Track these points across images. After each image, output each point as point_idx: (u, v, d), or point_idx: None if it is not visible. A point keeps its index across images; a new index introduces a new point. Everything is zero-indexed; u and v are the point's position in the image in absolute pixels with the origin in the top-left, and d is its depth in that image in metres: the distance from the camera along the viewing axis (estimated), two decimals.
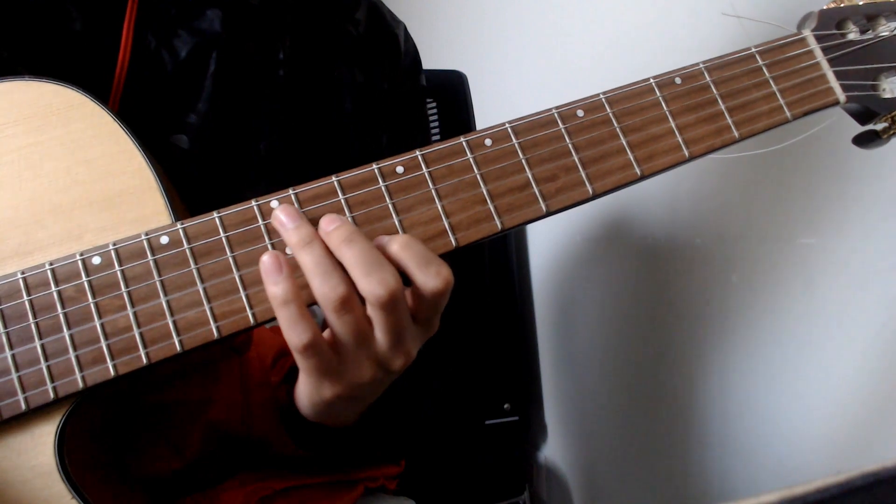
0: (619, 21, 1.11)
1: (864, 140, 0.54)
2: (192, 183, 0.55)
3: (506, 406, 1.35)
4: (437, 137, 1.24)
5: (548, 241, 1.41)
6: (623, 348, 1.19)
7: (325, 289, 0.43)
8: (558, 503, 1.42)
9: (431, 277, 0.44)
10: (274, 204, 0.46)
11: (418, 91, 0.75)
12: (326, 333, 0.45)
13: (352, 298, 0.43)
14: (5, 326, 0.44)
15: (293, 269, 0.44)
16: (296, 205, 0.46)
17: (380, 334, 0.45)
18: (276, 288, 0.43)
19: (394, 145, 0.50)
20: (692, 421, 1.01)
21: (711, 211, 0.95)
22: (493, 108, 1.38)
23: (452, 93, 1.28)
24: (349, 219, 0.46)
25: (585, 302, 1.30)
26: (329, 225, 0.45)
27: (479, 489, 1.34)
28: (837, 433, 0.78)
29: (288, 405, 0.57)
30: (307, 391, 0.48)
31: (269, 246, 0.46)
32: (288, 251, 0.46)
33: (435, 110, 1.27)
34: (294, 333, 0.43)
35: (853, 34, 0.53)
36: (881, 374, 0.72)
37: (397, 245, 0.44)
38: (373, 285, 0.42)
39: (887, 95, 0.52)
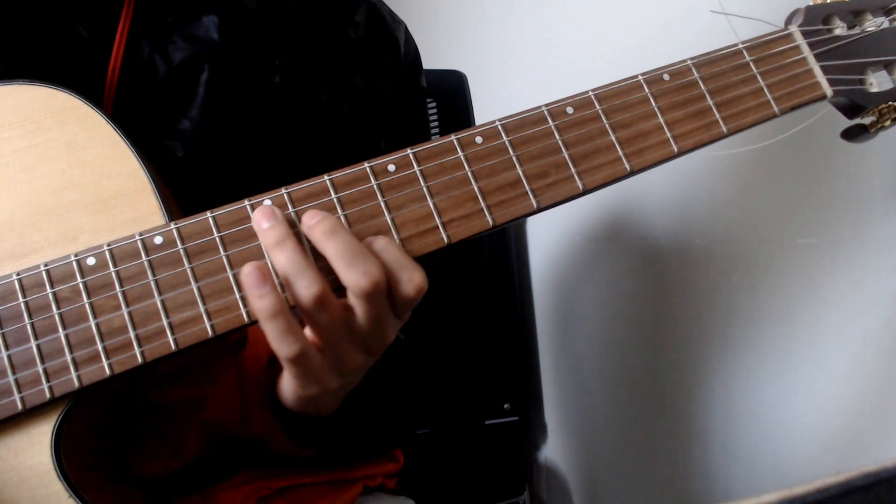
0: (617, 20, 1.12)
1: (852, 134, 0.55)
2: (188, 187, 0.56)
3: (506, 406, 1.35)
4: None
5: (548, 241, 1.41)
6: (623, 348, 1.19)
7: (299, 287, 0.43)
8: (558, 503, 1.42)
9: (405, 283, 0.44)
10: (267, 202, 0.47)
11: (418, 92, 0.75)
12: (308, 332, 0.45)
13: (327, 295, 0.43)
14: (1, 328, 0.45)
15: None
16: (288, 204, 0.47)
17: (362, 322, 0.45)
18: (261, 302, 0.42)
19: (393, 147, 0.50)
20: (692, 420, 1.01)
21: (711, 211, 0.96)
22: (493, 108, 1.38)
23: (452, 93, 1.29)
24: (341, 217, 0.47)
25: (585, 302, 1.30)
26: (311, 220, 0.45)
27: (479, 489, 1.34)
28: (837, 433, 0.78)
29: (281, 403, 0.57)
30: (292, 389, 0.48)
31: (263, 245, 0.46)
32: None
33: (435, 110, 1.27)
34: (283, 345, 0.43)
35: (840, 29, 0.53)
36: (881, 374, 0.72)
37: (374, 247, 0.45)
38: (356, 276, 0.43)
39: (874, 89, 0.52)
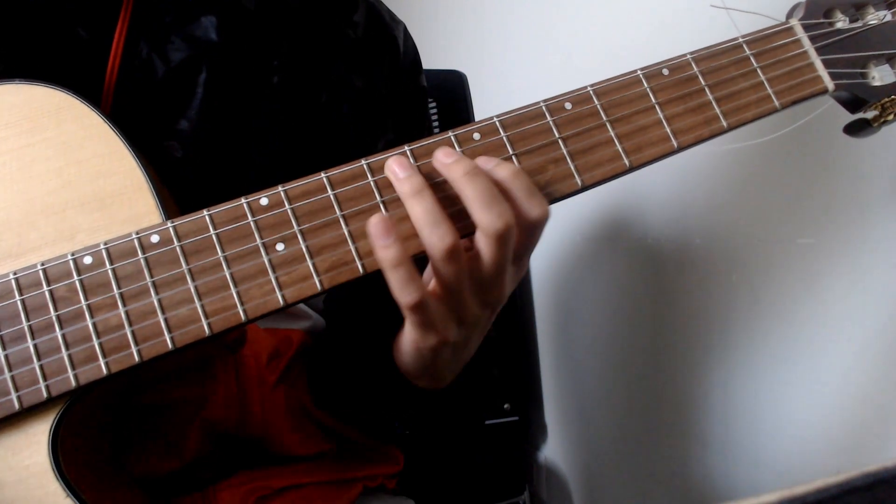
0: (617, 18, 1.11)
1: (854, 129, 0.54)
2: (188, 187, 0.56)
3: (506, 406, 1.34)
4: None
5: (548, 242, 1.41)
6: (623, 348, 1.19)
7: (433, 238, 0.44)
8: (558, 503, 1.41)
9: (535, 207, 0.45)
10: (263, 201, 0.46)
11: (418, 91, 0.75)
12: (431, 283, 0.46)
13: (458, 246, 0.44)
14: None
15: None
16: (285, 202, 0.46)
17: (487, 267, 0.45)
18: (386, 252, 0.43)
19: (394, 146, 0.50)
20: (692, 421, 1.01)
21: (711, 211, 0.95)
22: (493, 107, 1.38)
23: (452, 93, 1.29)
24: (339, 216, 0.47)
25: (585, 302, 1.29)
26: (447, 157, 0.46)
27: (479, 489, 1.34)
28: (837, 433, 0.77)
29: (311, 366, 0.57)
30: (412, 339, 0.48)
31: (260, 243, 0.46)
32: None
33: (435, 110, 1.27)
34: (405, 293, 0.44)
35: (841, 23, 0.53)
36: (881, 374, 0.72)
37: (507, 172, 0.46)
38: (493, 218, 0.44)
39: (877, 83, 0.52)
